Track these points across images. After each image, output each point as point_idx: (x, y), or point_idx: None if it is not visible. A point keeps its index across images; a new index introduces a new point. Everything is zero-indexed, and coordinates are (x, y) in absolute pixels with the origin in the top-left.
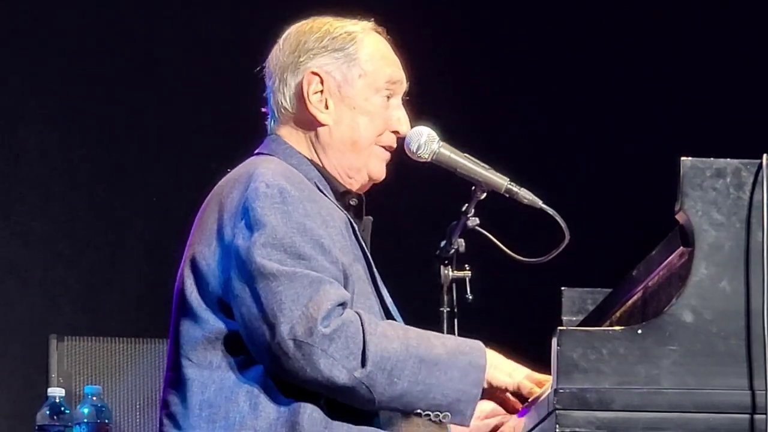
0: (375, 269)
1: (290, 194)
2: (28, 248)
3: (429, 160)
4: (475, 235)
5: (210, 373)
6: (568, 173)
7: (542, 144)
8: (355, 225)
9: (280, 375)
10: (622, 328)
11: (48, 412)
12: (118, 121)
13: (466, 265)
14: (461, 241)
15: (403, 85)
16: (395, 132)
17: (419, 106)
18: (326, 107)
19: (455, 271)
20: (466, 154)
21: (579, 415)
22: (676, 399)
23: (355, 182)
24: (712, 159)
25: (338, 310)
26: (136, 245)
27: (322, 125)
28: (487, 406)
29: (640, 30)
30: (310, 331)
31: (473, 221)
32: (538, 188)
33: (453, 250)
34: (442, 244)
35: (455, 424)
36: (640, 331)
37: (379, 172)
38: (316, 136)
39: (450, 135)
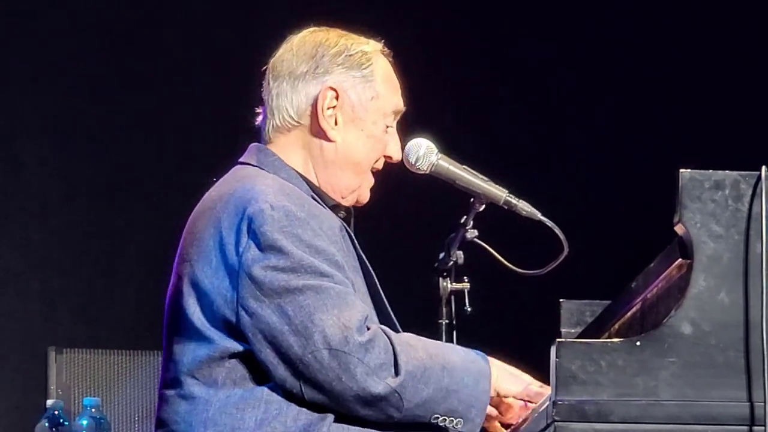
0: (375, 277)
1: (296, 216)
2: (26, 259)
3: (428, 172)
4: (474, 247)
5: (216, 391)
6: (567, 185)
7: (541, 156)
8: (352, 235)
9: (307, 390)
10: (621, 340)
11: (47, 424)
12: (117, 132)
13: (465, 277)
14: (460, 253)
15: (401, 114)
16: (388, 157)
17: (418, 118)
18: (336, 124)
19: (454, 283)
20: (464, 166)
21: (577, 427)
22: (675, 411)
23: (346, 202)
24: (710, 171)
25: (366, 322)
26: (135, 257)
27: (330, 141)
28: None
29: (638, 44)
30: (346, 340)
31: (472, 233)
32: (537, 200)
33: (452, 262)
34: (441, 256)
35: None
36: (638, 343)
37: (366, 198)
38: (320, 150)
39: (448, 147)
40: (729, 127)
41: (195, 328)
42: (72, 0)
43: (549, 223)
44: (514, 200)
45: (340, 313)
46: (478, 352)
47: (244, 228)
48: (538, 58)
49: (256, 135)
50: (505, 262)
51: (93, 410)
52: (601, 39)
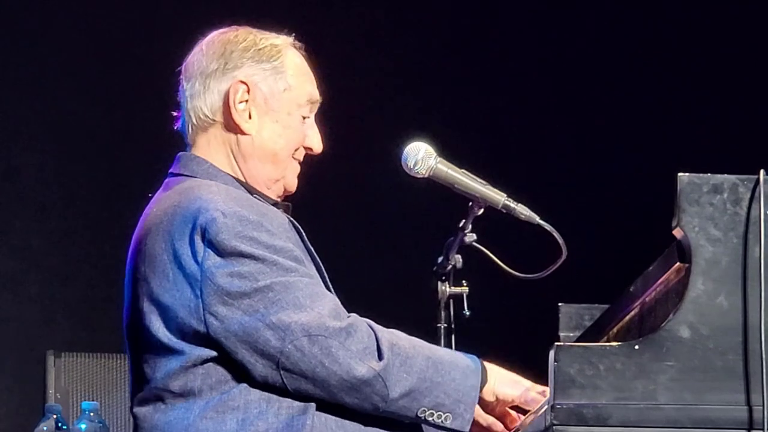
0: (323, 269)
1: (249, 219)
2: (25, 264)
3: (426, 176)
4: (473, 251)
5: (194, 399)
6: (565, 189)
7: (539, 160)
8: (300, 228)
9: (290, 381)
10: (619, 343)
11: (45, 428)
12: (115, 137)
13: (464, 281)
14: (458, 257)
15: (318, 104)
16: (308, 149)
17: (417, 122)
18: (249, 117)
19: (452, 287)
20: (463, 170)
21: (576, 431)
22: (673, 415)
23: (272, 193)
24: (709, 174)
25: (342, 309)
26: None
27: (245, 134)
28: (489, 420)
29: (638, 46)
30: (325, 326)
31: (470, 237)
32: (535, 204)
33: (450, 266)
34: (440, 260)
35: (455, 429)
36: (637, 347)
37: (293, 185)
38: (237, 144)
39: (446, 151)
40: (728, 130)
41: (162, 343)
42: (70, 6)
43: (547, 226)
44: (512, 204)
45: (313, 303)
46: (471, 355)
47: (198, 238)
48: (537, 60)
49: (178, 139)
50: (504, 266)
51: (91, 414)
52: (600, 41)
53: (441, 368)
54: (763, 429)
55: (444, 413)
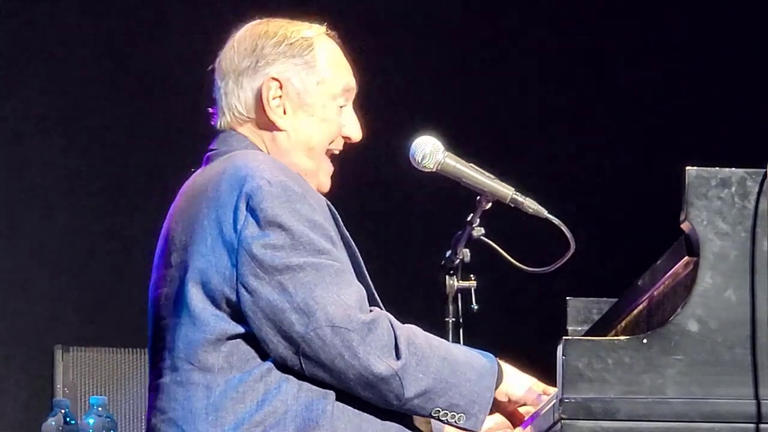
0: (359, 255)
1: (293, 190)
2: (33, 259)
3: (434, 170)
4: (481, 245)
5: (213, 376)
6: (573, 183)
7: (547, 154)
8: (336, 213)
9: (309, 367)
10: (628, 337)
11: (53, 423)
12: (122, 132)
13: (472, 275)
14: (466, 251)
15: (355, 91)
16: (347, 138)
17: (425, 115)
18: (284, 113)
19: (460, 281)
20: (471, 164)
21: (584, 425)
22: (682, 408)
23: None
24: (717, 168)
25: (366, 302)
26: (142, 255)
27: (280, 131)
28: (497, 418)
29: (645, 40)
30: (349, 318)
31: (478, 231)
32: (543, 198)
33: (458, 260)
34: (448, 254)
35: (468, 428)
36: (645, 341)
37: (326, 185)
38: (273, 140)
39: (454, 145)
40: (736, 124)
41: (191, 311)
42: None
43: (555, 220)
44: (520, 198)
45: (340, 291)
46: (487, 353)
47: (242, 205)
48: (545, 54)
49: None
50: (512, 260)
51: (100, 409)
52: (606, 35)
53: (457, 369)
54: None
55: (458, 414)
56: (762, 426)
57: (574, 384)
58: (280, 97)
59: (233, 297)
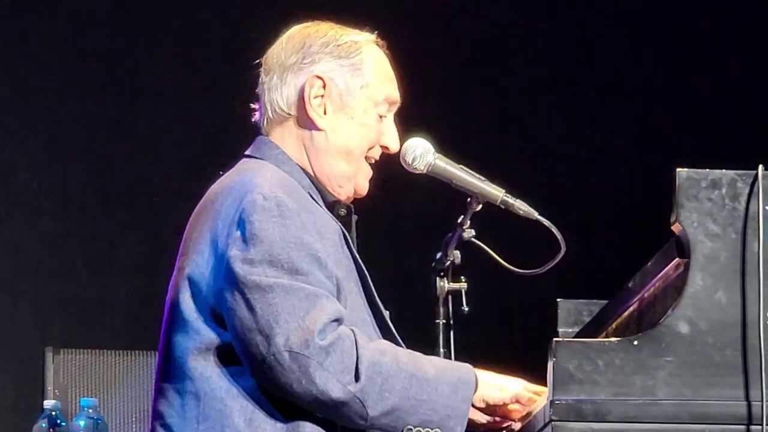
0: (369, 280)
1: (288, 207)
2: (21, 261)
3: (425, 171)
4: (471, 247)
5: (202, 384)
6: (563, 185)
7: (537, 155)
8: (348, 236)
9: (273, 389)
10: (618, 339)
11: (44, 425)
12: (109, 136)
13: (462, 277)
14: (457, 253)
15: (398, 104)
16: (384, 147)
17: (415, 117)
18: (324, 113)
19: (451, 283)
20: (461, 166)
21: (575, 427)
22: (672, 410)
23: (343, 192)
24: (707, 170)
25: (334, 324)
26: (131, 258)
27: (319, 130)
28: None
29: (635, 42)
30: (307, 343)
31: (469, 233)
32: (534, 200)
33: (449, 262)
34: (438, 255)
35: None
36: (636, 343)
37: (364, 188)
38: (311, 140)
39: (445, 146)
40: (726, 126)
41: (185, 319)
42: (64, 6)
43: (546, 222)
44: (510, 200)
45: (306, 315)
46: (462, 363)
47: (237, 219)
48: (536, 56)
49: (255, 132)
50: (503, 262)
51: (90, 411)
52: (598, 38)
53: (426, 385)
54: (762, 424)
55: (432, 429)
56: (752, 427)
57: (564, 386)
58: (323, 96)
59: (218, 309)
